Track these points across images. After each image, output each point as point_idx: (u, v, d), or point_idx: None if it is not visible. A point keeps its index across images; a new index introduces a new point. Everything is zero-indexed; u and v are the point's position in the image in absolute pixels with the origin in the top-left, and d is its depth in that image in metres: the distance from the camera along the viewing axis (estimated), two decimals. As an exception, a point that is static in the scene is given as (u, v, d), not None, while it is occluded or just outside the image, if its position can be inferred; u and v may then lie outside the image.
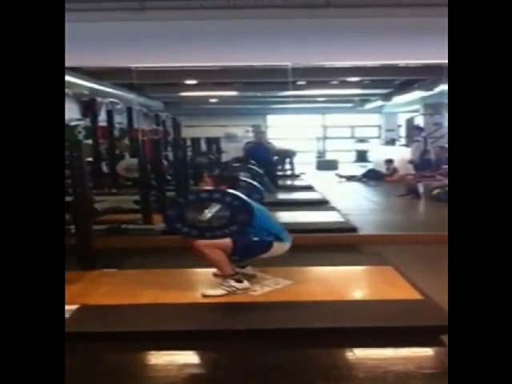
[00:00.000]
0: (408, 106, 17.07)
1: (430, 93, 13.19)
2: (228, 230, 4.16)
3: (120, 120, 12.22)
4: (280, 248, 4.38)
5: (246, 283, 4.24)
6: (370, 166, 17.82)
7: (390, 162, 14.47)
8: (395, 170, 13.94)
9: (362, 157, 21.24)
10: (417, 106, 16.21)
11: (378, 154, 17.38)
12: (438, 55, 6.62)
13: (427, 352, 3.40)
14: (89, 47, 5.87)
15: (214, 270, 4.45)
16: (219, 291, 4.15)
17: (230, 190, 4.31)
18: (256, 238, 4.26)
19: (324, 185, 12.93)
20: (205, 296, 4.12)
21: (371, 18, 6.04)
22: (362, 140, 21.91)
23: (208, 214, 4.11)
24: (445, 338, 3.33)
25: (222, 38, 6.11)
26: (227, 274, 4.19)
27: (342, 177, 15.25)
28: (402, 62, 9.11)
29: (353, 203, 10.33)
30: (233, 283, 4.17)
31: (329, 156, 21.48)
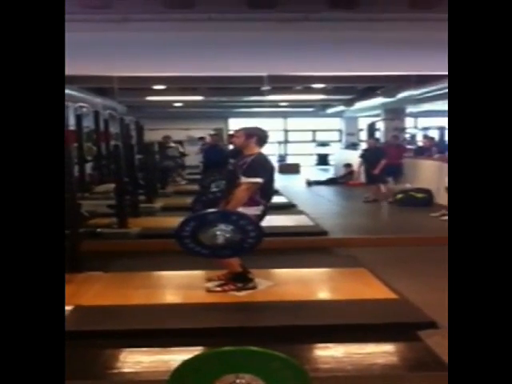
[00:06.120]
0: (369, 111, 17.44)
1: (391, 99, 13.60)
2: None
3: (87, 124, 12.16)
4: None
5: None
6: (330, 169, 18.23)
7: (348, 166, 14.78)
8: (351, 174, 14.13)
9: (323, 160, 21.62)
10: (378, 112, 16.62)
11: (339, 158, 17.65)
12: (396, 67, 7.08)
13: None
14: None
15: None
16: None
17: None
18: None
19: (287, 189, 13.02)
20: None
21: (340, 31, 6.34)
22: (323, 144, 22.26)
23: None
24: (420, 333, 3.60)
25: (190, 48, 6.35)
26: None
27: (310, 182, 15.08)
28: (364, 74, 9.54)
29: (318, 206, 10.60)
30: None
31: (290, 160, 21.81)
